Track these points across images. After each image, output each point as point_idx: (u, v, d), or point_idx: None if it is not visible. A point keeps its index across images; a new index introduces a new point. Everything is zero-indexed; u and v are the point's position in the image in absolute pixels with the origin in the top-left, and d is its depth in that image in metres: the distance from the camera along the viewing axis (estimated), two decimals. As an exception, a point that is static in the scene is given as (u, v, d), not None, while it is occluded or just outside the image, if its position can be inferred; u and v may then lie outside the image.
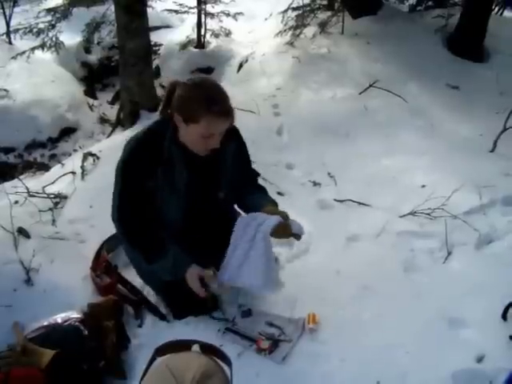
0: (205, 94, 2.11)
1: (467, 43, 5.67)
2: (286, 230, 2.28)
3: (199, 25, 6.29)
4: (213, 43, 6.78)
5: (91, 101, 6.57)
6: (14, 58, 5.85)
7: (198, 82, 2.19)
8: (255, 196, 2.49)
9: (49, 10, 6.15)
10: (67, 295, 2.61)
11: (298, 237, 2.35)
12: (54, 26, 5.96)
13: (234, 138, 2.39)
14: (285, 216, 2.30)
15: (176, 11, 6.58)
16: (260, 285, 2.23)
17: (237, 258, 2.22)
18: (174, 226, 2.33)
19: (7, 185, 3.77)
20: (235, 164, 2.43)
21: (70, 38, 6.70)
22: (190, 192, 2.28)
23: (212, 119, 2.10)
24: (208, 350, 1.59)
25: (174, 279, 2.25)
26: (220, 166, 2.37)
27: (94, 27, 6.68)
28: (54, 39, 5.94)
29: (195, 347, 1.59)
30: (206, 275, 2.19)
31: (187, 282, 2.19)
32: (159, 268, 2.26)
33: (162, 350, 1.58)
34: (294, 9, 6.48)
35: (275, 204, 2.45)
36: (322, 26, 6.15)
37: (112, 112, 6.11)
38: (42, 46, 5.90)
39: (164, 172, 2.20)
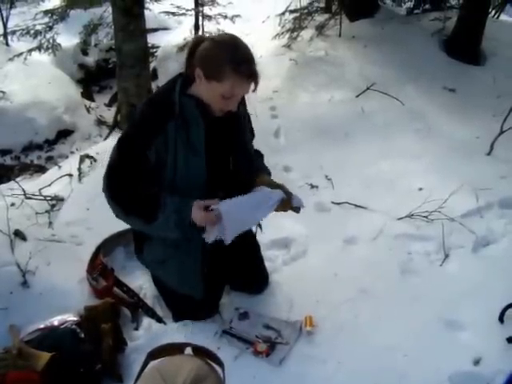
0: (233, 53, 1.96)
1: (464, 46, 5.68)
2: (286, 204, 2.25)
3: (196, 27, 6.28)
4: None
5: (88, 103, 6.56)
6: (11, 59, 5.84)
7: (226, 38, 2.04)
8: (255, 163, 2.40)
9: (46, 12, 6.15)
10: (64, 298, 2.61)
11: (297, 209, 2.30)
12: (51, 28, 5.95)
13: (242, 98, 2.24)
14: (287, 191, 2.26)
15: (173, 13, 6.59)
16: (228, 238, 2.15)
17: (239, 207, 2.13)
18: (196, 190, 2.14)
19: (4, 187, 3.76)
20: (246, 124, 2.37)
21: (68, 39, 6.70)
22: (209, 149, 2.12)
23: (237, 80, 1.96)
24: (200, 352, 1.59)
25: (183, 228, 2.07)
26: (237, 124, 2.27)
27: (91, 29, 6.67)
28: (51, 41, 5.93)
29: (187, 350, 1.59)
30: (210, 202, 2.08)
31: (195, 220, 2.05)
32: (164, 221, 2.05)
33: (154, 354, 1.58)
34: (292, 11, 6.48)
35: (269, 174, 2.41)
36: (320, 29, 6.15)
37: (109, 114, 6.11)
38: (39, 48, 5.89)
39: (176, 127, 2.04)
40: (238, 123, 2.28)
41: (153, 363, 1.52)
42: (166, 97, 2.08)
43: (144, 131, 2.05)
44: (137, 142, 2.06)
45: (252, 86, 2.01)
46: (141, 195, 2.09)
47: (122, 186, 2.10)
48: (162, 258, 2.35)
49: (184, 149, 2.07)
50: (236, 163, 2.29)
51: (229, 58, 1.94)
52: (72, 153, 5.31)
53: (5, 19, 6.64)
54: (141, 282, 2.80)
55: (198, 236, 2.15)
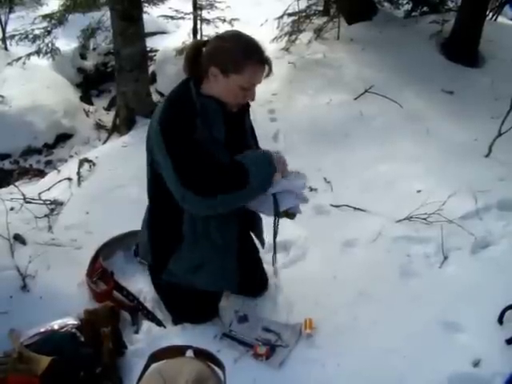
0: (244, 44, 2.05)
1: (462, 49, 5.68)
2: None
3: (195, 31, 6.28)
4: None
5: (87, 107, 6.56)
6: (9, 64, 5.84)
7: (234, 33, 2.13)
8: None
9: (45, 17, 6.14)
10: (64, 302, 2.61)
11: (292, 216, 2.29)
12: (49, 32, 5.95)
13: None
14: None
15: (172, 17, 6.57)
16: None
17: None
18: None
19: (3, 191, 3.77)
20: (250, 130, 2.43)
21: (66, 44, 6.71)
22: (229, 144, 2.17)
23: (255, 68, 2.04)
24: (201, 355, 1.59)
25: (271, 176, 2.15)
26: (245, 125, 2.35)
27: (89, 33, 6.67)
28: (49, 45, 5.93)
29: (189, 352, 1.60)
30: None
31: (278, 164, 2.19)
32: (256, 178, 2.08)
33: (156, 356, 1.59)
34: (290, 14, 6.49)
35: None
36: (318, 32, 6.16)
37: (108, 118, 6.11)
38: (38, 52, 5.88)
39: (202, 123, 2.06)
40: (245, 123, 2.35)
41: (154, 365, 1.53)
42: (185, 97, 2.11)
43: (183, 127, 2.05)
44: (183, 135, 2.04)
45: (266, 71, 2.09)
46: (223, 171, 2.09)
47: (198, 173, 2.06)
48: (199, 263, 2.32)
49: (211, 143, 2.10)
50: None
51: (242, 50, 2.02)
52: (71, 157, 5.31)
53: (3, 24, 6.65)
54: (140, 285, 2.81)
55: (234, 234, 2.33)
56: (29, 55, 5.83)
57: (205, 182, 2.06)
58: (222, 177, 2.09)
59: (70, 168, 3.99)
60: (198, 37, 6.26)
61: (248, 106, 2.28)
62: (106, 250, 2.94)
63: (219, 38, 2.10)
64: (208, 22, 6.22)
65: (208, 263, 2.32)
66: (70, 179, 3.78)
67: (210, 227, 2.25)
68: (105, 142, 5.31)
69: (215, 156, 2.09)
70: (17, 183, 3.99)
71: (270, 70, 2.10)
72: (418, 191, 3.53)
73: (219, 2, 6.21)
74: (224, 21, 6.18)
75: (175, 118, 2.08)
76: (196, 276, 2.35)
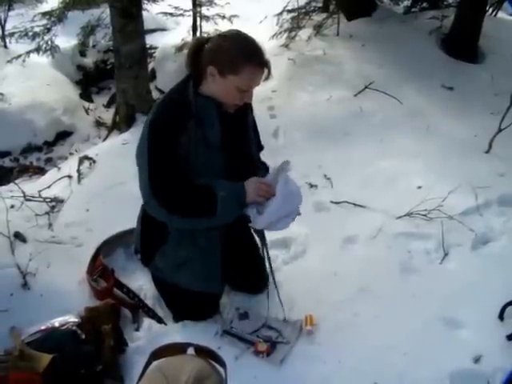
0: (244, 45, 2.04)
1: (462, 44, 5.68)
2: None
3: (194, 28, 6.27)
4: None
5: (87, 104, 6.55)
6: (9, 61, 5.84)
7: (234, 33, 2.10)
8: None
9: (44, 14, 6.12)
10: (64, 299, 2.61)
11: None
12: (49, 30, 5.93)
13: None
14: None
15: (171, 14, 6.56)
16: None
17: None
18: None
19: (3, 189, 3.76)
20: (253, 126, 2.42)
21: (66, 41, 6.70)
22: (225, 145, 2.16)
23: (253, 71, 2.03)
24: (203, 352, 1.60)
25: (242, 208, 2.11)
26: (247, 123, 2.33)
27: (89, 30, 6.66)
28: (49, 43, 5.92)
29: (190, 350, 1.60)
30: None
31: (251, 196, 2.09)
32: (226, 207, 2.07)
33: (157, 354, 1.59)
34: (289, 11, 6.49)
35: None
36: (317, 28, 6.15)
37: (108, 115, 6.10)
38: (38, 50, 5.87)
39: (195, 125, 2.07)
40: (247, 120, 2.33)
41: (155, 363, 1.53)
42: (181, 97, 2.11)
43: (170, 131, 2.06)
44: (167, 142, 2.06)
45: (264, 75, 2.08)
46: (192, 193, 2.09)
47: (169, 191, 2.08)
48: (182, 261, 2.34)
49: (203, 146, 2.10)
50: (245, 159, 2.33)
51: (242, 51, 2.01)
52: (71, 154, 5.30)
53: (3, 21, 6.63)
54: (141, 282, 2.81)
55: (217, 238, 2.31)
56: (28, 53, 5.82)
57: (173, 201, 2.09)
58: (192, 202, 2.10)
59: (70, 165, 3.99)
60: (198, 34, 6.25)
61: (249, 103, 2.27)
62: (107, 247, 2.94)
63: (221, 36, 2.08)
64: (207, 18, 6.22)
65: (190, 263, 2.34)
66: (70, 177, 3.77)
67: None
68: (105, 139, 5.30)
69: (203, 169, 2.09)
70: (17, 181, 3.98)
71: (269, 73, 2.09)
72: (419, 187, 3.53)
73: (219, -1, 6.20)
74: (223, 17, 6.17)
75: (164, 121, 2.09)
76: (179, 274, 2.37)
